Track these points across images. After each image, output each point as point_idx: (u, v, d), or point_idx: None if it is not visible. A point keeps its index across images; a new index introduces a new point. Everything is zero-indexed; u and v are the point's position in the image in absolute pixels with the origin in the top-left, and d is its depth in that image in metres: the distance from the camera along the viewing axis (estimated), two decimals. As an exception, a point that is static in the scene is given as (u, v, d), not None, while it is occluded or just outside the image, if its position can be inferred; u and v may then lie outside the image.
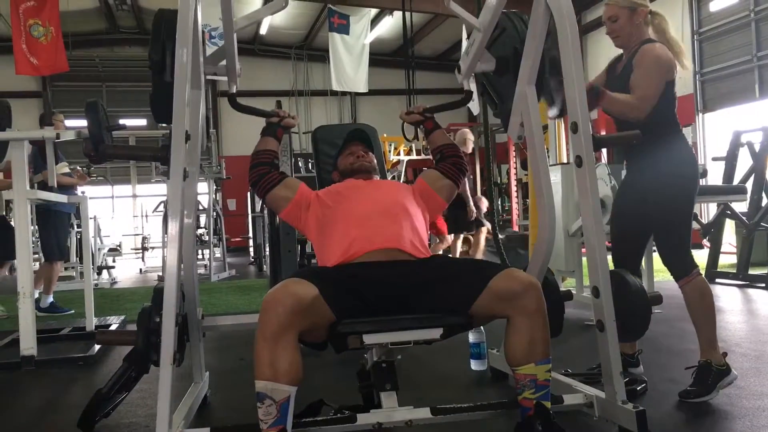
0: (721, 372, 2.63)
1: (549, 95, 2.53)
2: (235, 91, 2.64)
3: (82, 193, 5.28)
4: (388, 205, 2.39)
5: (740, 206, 6.38)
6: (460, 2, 2.55)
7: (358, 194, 2.44)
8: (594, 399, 2.23)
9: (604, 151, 9.29)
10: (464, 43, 10.62)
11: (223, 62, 2.63)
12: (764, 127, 6.27)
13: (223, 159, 12.44)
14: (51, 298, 5.86)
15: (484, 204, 7.24)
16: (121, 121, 3.96)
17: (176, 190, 2.04)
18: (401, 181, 10.43)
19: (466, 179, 3.03)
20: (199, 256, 9.64)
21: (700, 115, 10.48)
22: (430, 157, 2.90)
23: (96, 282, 8.27)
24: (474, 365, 3.20)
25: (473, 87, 2.81)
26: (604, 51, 12.33)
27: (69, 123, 15.00)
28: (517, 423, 2.02)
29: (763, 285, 5.81)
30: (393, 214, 2.36)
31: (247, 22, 2.61)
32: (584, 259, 3.45)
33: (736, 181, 6.23)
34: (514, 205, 10.74)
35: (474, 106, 9.71)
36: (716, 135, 10.19)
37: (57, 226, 5.77)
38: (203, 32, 2.55)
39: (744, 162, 6.38)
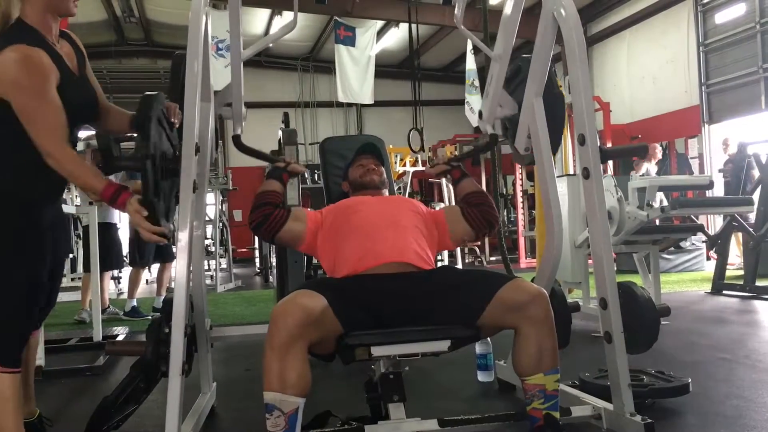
0: None
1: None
2: (240, 133, 2.61)
3: (90, 203, 5.30)
4: (396, 219, 2.40)
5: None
6: (466, 15, 2.57)
7: (366, 209, 2.44)
8: (602, 411, 2.23)
9: (610, 162, 9.28)
10: (469, 56, 10.67)
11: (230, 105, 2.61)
12: (771, 138, 6.28)
13: (229, 170, 12.47)
14: (134, 302, 6.12)
15: None
16: (130, 133, 3.98)
17: (186, 202, 2.05)
18: (407, 192, 10.43)
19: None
20: (206, 267, 9.64)
21: (706, 126, 10.46)
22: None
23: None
24: (481, 376, 3.20)
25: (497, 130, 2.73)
26: (610, 62, 12.37)
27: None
28: (526, 434, 2.02)
29: (771, 297, 5.77)
30: (401, 227, 2.36)
31: (255, 50, 2.59)
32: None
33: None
34: (520, 217, 10.73)
35: (472, 119, 9.72)
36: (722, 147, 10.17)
37: (134, 237, 6.08)
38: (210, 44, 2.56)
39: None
